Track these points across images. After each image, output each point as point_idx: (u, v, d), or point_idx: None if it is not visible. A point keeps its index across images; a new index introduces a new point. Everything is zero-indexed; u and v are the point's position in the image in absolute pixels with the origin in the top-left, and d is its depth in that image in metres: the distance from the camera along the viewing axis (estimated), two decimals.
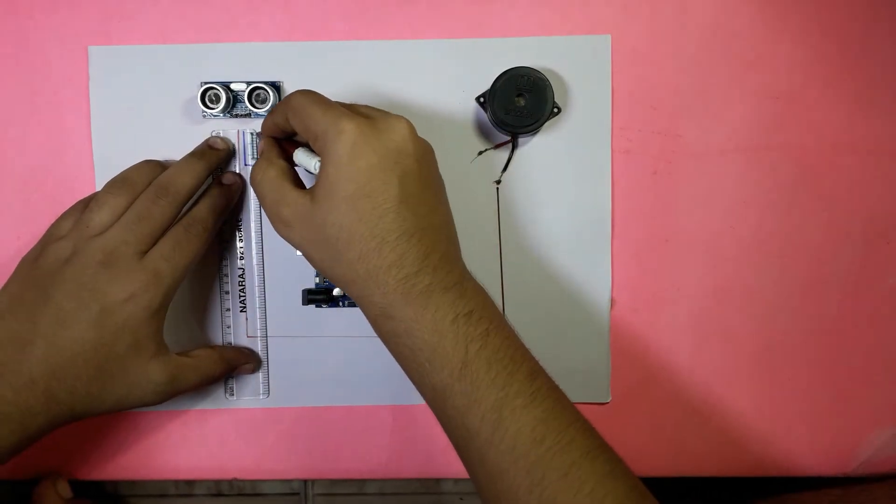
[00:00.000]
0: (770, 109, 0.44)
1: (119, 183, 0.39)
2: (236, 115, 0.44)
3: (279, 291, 0.44)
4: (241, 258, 0.44)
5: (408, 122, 0.36)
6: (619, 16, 0.43)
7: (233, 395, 0.45)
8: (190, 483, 0.47)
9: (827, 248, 0.44)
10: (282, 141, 0.40)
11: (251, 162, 0.44)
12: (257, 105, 0.43)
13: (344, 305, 0.44)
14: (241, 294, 0.44)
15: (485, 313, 0.35)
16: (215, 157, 0.42)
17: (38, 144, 0.44)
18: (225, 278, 0.44)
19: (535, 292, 0.44)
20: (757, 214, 0.44)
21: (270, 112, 0.39)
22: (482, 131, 0.44)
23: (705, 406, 0.45)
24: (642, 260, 0.44)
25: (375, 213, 0.34)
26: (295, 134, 0.38)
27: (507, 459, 0.33)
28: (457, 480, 0.50)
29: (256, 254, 0.44)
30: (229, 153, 0.43)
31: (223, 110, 0.43)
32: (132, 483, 0.47)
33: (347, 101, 0.43)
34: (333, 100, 0.37)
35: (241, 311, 0.44)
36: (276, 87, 0.43)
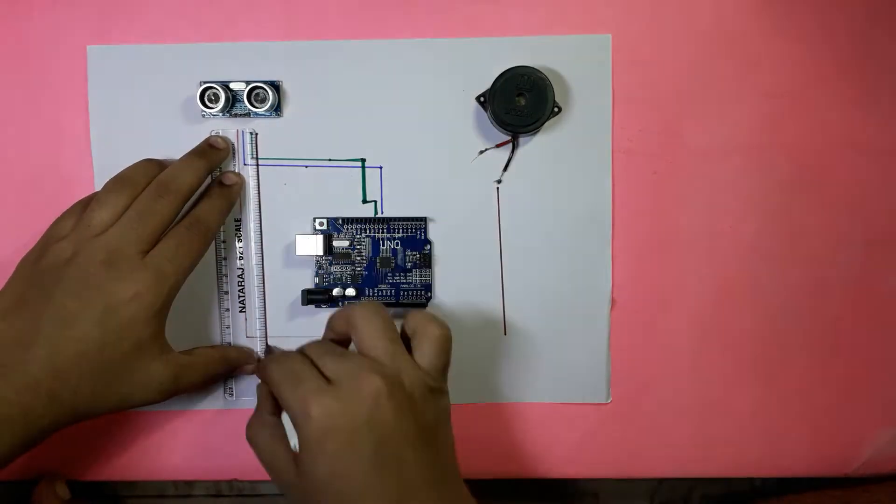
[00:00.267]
0: (770, 109, 0.44)
1: (119, 181, 0.39)
2: (236, 115, 0.43)
3: (279, 291, 0.44)
4: (241, 258, 0.44)
5: (381, 379, 0.33)
6: (619, 15, 0.43)
7: (233, 395, 0.45)
8: (189, 483, 0.47)
9: (827, 248, 0.44)
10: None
11: (251, 162, 0.44)
12: (257, 104, 0.43)
13: (344, 305, 0.44)
14: (241, 294, 0.44)
15: None
16: (216, 155, 0.42)
17: (36, 144, 0.44)
18: (224, 278, 0.44)
19: (535, 292, 0.44)
20: (757, 214, 0.44)
21: (257, 370, 0.40)
22: (482, 131, 0.44)
23: (705, 406, 0.45)
24: (642, 260, 0.44)
25: (352, 495, 0.32)
26: None
27: None
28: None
29: (256, 254, 0.44)
30: (229, 152, 0.43)
31: (222, 110, 0.43)
32: (131, 483, 0.47)
33: (347, 102, 0.43)
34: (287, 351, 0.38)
35: (240, 311, 0.44)
36: (275, 86, 0.43)
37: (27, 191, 0.44)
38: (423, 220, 0.44)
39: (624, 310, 0.44)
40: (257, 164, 0.44)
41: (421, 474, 0.34)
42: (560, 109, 0.43)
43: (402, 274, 0.44)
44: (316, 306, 0.44)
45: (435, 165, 0.44)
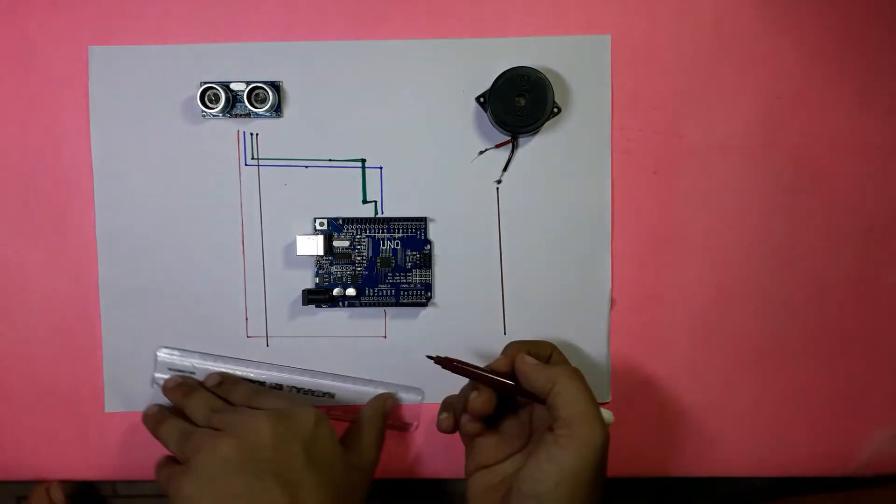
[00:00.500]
0: (770, 109, 0.44)
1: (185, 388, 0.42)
2: (236, 115, 0.44)
3: (279, 291, 0.44)
4: (242, 258, 0.44)
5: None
6: (619, 16, 0.43)
7: None
8: None
9: (827, 247, 0.44)
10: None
11: (251, 162, 0.44)
12: (257, 105, 0.43)
13: (344, 306, 0.44)
14: (241, 294, 0.44)
15: None
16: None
17: (37, 143, 0.44)
18: (225, 278, 0.44)
19: (535, 292, 0.44)
20: (757, 214, 0.44)
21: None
22: (482, 131, 0.44)
23: (705, 406, 0.45)
24: (642, 260, 0.44)
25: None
26: None
27: None
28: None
29: (256, 254, 0.44)
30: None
31: (222, 110, 0.43)
32: (131, 483, 0.47)
33: (347, 102, 0.43)
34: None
35: (240, 311, 0.44)
36: (275, 86, 0.43)
37: (27, 190, 0.44)
38: (423, 220, 0.44)
39: (624, 310, 0.44)
40: (257, 164, 0.44)
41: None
42: (560, 110, 0.43)
43: (402, 274, 0.44)
44: (316, 306, 0.44)
45: (435, 165, 0.44)
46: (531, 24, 0.43)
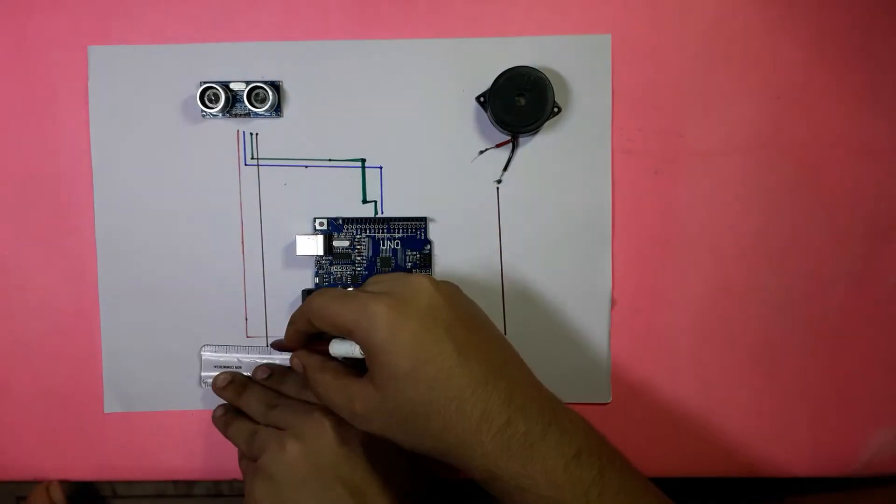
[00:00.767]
0: (770, 109, 0.44)
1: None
2: (235, 115, 0.43)
3: (279, 291, 0.44)
4: (241, 258, 0.44)
5: (426, 276, 0.36)
6: (619, 15, 0.43)
7: None
8: (190, 483, 0.47)
9: (827, 247, 0.44)
10: (310, 344, 0.39)
11: (251, 162, 0.44)
12: (256, 104, 0.43)
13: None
14: (242, 294, 0.44)
15: (591, 447, 0.33)
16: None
17: (36, 143, 0.44)
18: (225, 278, 0.44)
19: (535, 292, 0.44)
20: (758, 214, 0.44)
21: (290, 323, 0.38)
22: (482, 131, 0.44)
23: (706, 406, 0.45)
24: (643, 260, 0.44)
25: (442, 376, 0.32)
26: (318, 333, 0.38)
27: None
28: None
29: (256, 254, 0.44)
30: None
31: (222, 110, 0.43)
32: (130, 484, 0.47)
33: (347, 102, 0.43)
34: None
35: (241, 311, 0.44)
36: (275, 86, 0.43)
37: (27, 190, 0.44)
38: (423, 220, 0.44)
39: (624, 310, 0.44)
40: (257, 164, 0.44)
41: (494, 353, 0.35)
42: (560, 109, 0.43)
43: (409, 272, 0.44)
44: None
45: (435, 165, 0.44)
46: (531, 24, 0.43)
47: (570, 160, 0.44)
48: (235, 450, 0.41)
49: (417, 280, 0.35)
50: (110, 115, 0.44)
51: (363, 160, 0.44)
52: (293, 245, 0.43)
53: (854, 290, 0.44)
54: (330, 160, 0.44)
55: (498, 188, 0.44)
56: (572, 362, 0.44)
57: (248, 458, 0.39)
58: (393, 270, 0.44)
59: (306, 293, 0.43)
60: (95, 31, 0.43)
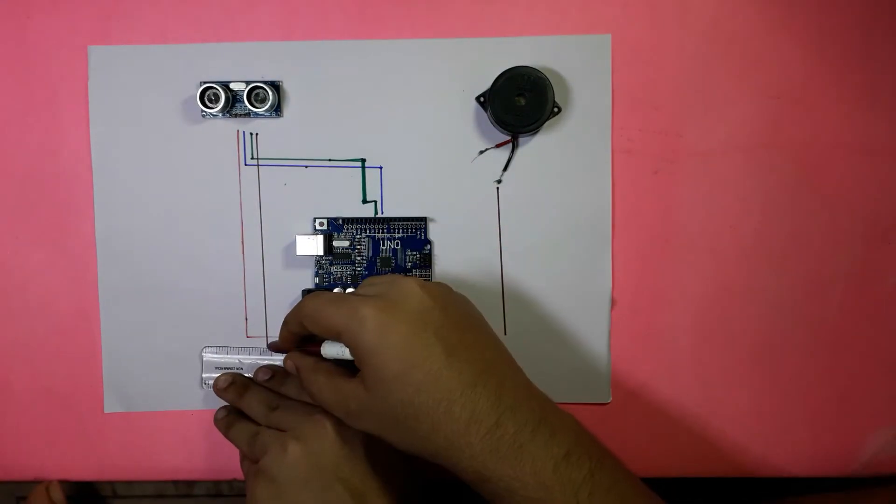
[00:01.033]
0: (770, 109, 0.44)
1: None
2: (235, 115, 0.43)
3: (279, 291, 0.44)
4: (241, 258, 0.44)
5: (415, 279, 0.36)
6: (619, 15, 0.43)
7: None
8: (190, 483, 0.47)
9: (827, 247, 0.44)
10: (302, 346, 0.40)
11: (251, 162, 0.44)
12: (256, 104, 0.43)
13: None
14: (242, 294, 0.44)
15: (581, 448, 0.33)
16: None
17: (36, 143, 0.44)
18: (225, 278, 0.44)
19: (535, 292, 0.44)
20: (758, 214, 0.44)
21: (284, 324, 0.39)
22: (482, 131, 0.44)
23: (705, 406, 0.45)
24: (643, 260, 0.44)
25: (430, 379, 0.33)
26: (311, 335, 0.38)
27: None
28: None
29: (256, 254, 0.44)
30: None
31: (222, 110, 0.43)
32: (130, 484, 0.47)
33: (347, 102, 0.43)
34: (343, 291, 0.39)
35: (241, 311, 0.44)
36: (275, 86, 0.43)
37: (26, 190, 0.44)
38: (423, 220, 0.44)
39: (624, 310, 0.44)
40: (257, 164, 0.44)
41: (484, 353, 0.35)
42: (560, 109, 0.43)
43: (402, 274, 0.44)
44: None
45: (435, 165, 0.44)
46: (531, 24, 0.43)
47: (570, 160, 0.44)
48: (235, 449, 0.41)
49: (407, 283, 0.35)
50: (110, 115, 0.44)
51: (363, 160, 0.44)
52: (293, 245, 0.43)
53: (854, 291, 0.44)
54: (330, 160, 0.44)
55: (498, 188, 0.44)
56: (572, 362, 0.44)
57: (250, 459, 0.39)
58: (393, 271, 0.44)
59: (306, 293, 0.43)
60: (95, 31, 0.43)
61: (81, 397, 0.45)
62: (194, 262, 0.44)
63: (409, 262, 0.44)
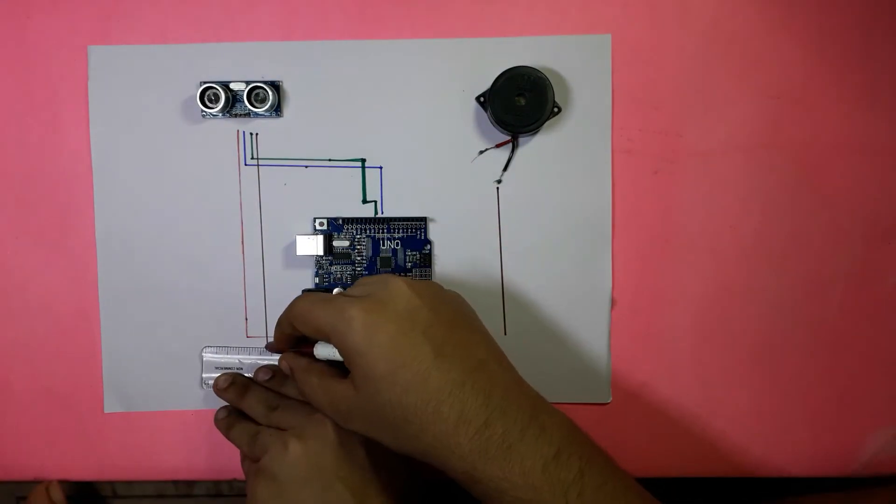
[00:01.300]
0: (770, 109, 0.44)
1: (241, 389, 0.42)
2: (235, 115, 0.43)
3: (279, 291, 0.44)
4: (241, 258, 0.44)
5: (403, 279, 0.35)
6: (619, 15, 0.43)
7: None
8: (190, 483, 0.47)
9: (827, 247, 0.44)
10: (297, 346, 0.40)
11: (251, 162, 0.44)
12: (256, 104, 0.43)
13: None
14: (242, 294, 0.44)
15: (571, 448, 0.33)
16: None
17: (36, 143, 0.44)
18: (225, 278, 0.44)
19: (535, 292, 0.44)
20: (758, 214, 0.44)
21: (277, 326, 0.39)
22: (482, 131, 0.44)
23: (705, 406, 0.45)
24: (643, 260, 0.44)
25: (418, 379, 0.32)
26: (303, 337, 0.38)
27: None
28: None
29: (256, 254, 0.44)
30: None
31: (222, 110, 0.43)
32: (130, 484, 0.47)
33: (347, 102, 0.43)
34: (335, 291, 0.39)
35: (240, 311, 0.44)
36: (275, 86, 0.43)
37: (27, 190, 0.44)
38: (423, 220, 0.44)
39: (624, 310, 0.44)
40: (257, 164, 0.44)
41: (474, 351, 0.34)
42: (560, 109, 0.43)
43: (402, 274, 0.44)
44: None
45: (435, 165, 0.44)
46: (531, 24, 0.43)
47: (570, 160, 0.44)
48: (235, 449, 0.41)
49: (395, 283, 0.35)
50: (110, 115, 0.44)
51: (363, 160, 0.44)
52: (293, 245, 0.43)
53: (854, 291, 0.44)
54: (330, 160, 0.44)
55: (498, 188, 0.44)
56: (572, 362, 0.44)
57: (251, 459, 0.39)
58: (393, 271, 0.44)
59: (306, 293, 0.43)
60: (95, 31, 0.43)
61: (81, 397, 0.45)
62: (194, 262, 0.44)
63: (409, 262, 0.44)
